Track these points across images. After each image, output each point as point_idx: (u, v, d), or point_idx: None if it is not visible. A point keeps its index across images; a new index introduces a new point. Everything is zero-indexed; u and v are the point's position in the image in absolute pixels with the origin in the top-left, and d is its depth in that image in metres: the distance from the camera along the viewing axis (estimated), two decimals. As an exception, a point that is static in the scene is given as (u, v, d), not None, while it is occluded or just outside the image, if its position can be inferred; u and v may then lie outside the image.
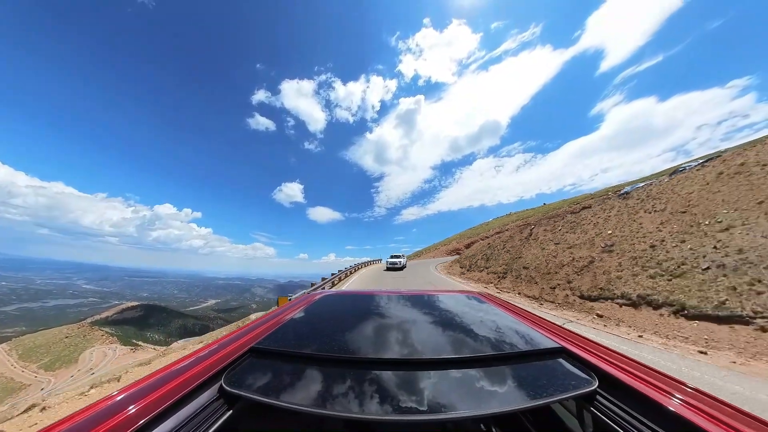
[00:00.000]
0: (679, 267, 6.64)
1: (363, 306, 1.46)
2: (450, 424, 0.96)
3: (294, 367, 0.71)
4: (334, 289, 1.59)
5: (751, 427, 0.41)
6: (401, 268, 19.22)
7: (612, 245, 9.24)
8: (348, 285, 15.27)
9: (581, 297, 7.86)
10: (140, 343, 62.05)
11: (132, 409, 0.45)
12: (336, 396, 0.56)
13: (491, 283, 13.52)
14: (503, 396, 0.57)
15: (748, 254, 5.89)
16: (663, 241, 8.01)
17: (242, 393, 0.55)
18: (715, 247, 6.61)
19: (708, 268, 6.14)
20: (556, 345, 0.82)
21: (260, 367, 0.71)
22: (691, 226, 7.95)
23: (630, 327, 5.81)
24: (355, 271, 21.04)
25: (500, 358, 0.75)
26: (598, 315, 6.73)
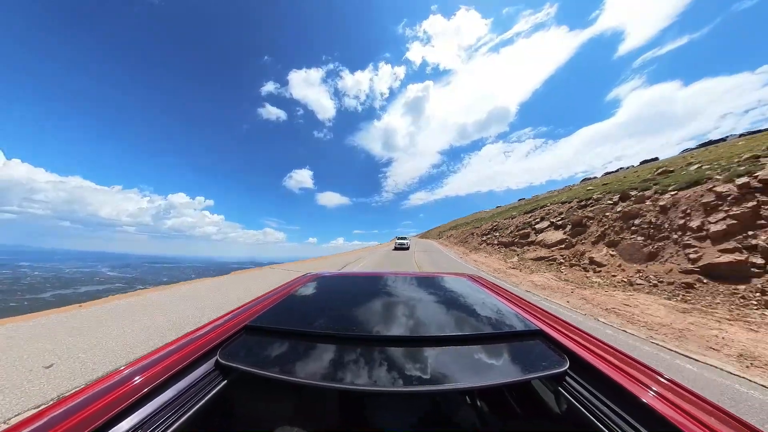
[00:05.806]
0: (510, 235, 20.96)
1: (353, 287, 1.52)
2: (438, 395, 1.03)
3: (283, 342, 0.80)
4: (328, 271, 2.00)
5: (728, 426, 0.40)
6: (408, 248, 25.60)
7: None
8: (388, 244, 36.43)
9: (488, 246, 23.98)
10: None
11: (137, 380, 0.53)
12: (321, 368, 0.63)
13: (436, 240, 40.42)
14: (483, 372, 0.65)
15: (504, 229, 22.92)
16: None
17: (235, 365, 0.65)
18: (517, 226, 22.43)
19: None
20: (535, 327, 0.88)
21: (252, 342, 0.81)
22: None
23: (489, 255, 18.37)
24: (393, 241, 48.04)
25: (482, 338, 0.81)
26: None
